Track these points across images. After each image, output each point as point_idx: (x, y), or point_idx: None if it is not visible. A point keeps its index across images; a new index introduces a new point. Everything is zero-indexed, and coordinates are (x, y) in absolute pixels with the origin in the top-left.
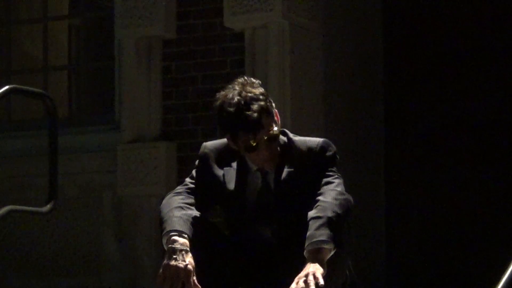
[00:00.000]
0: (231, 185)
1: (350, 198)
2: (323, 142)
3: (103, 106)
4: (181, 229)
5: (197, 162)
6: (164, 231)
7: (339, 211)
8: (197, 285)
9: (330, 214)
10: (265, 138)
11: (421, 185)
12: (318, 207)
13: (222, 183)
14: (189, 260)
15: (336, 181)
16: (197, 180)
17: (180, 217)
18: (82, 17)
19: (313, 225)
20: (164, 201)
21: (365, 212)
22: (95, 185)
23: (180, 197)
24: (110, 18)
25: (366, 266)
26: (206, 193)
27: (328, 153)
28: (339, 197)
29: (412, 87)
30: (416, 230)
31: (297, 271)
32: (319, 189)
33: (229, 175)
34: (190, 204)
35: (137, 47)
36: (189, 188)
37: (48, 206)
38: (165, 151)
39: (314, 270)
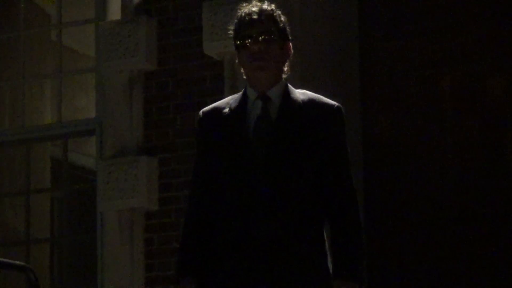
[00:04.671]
0: (231, 120)
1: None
2: (340, 106)
3: (85, 276)
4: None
5: (196, 131)
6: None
7: (363, 243)
8: None
9: (358, 245)
10: (262, 37)
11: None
12: (345, 228)
13: (222, 124)
14: None
15: (354, 193)
16: (199, 149)
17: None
18: (64, 190)
19: (344, 251)
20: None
21: None
22: None
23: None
24: (93, 191)
25: None
26: (213, 155)
27: (343, 120)
28: (360, 225)
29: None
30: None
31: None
32: (326, 165)
33: (228, 116)
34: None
35: (119, 219)
36: (196, 187)
37: None
38: None
39: None
